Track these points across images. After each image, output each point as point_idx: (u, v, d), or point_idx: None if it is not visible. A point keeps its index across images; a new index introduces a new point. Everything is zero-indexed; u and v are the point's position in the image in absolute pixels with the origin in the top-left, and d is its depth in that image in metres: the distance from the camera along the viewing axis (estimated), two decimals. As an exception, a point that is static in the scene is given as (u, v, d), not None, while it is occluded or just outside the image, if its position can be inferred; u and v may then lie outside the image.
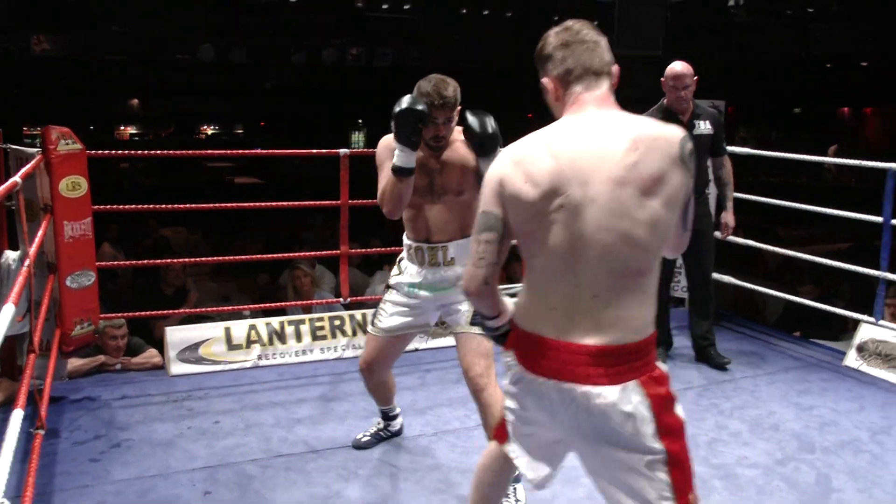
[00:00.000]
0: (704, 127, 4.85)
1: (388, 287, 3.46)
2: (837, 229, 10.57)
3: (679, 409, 2.02)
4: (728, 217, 5.04)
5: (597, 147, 1.91)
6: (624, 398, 1.92)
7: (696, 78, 4.76)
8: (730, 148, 6.00)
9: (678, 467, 1.96)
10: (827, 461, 3.72)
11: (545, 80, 2.07)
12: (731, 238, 5.40)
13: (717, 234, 5.18)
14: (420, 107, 3.02)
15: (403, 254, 3.42)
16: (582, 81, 2.01)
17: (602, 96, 2.01)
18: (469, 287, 2.08)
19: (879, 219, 4.88)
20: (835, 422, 4.19)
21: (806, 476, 3.57)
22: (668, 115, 4.77)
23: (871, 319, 5.00)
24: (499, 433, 2.27)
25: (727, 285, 6.08)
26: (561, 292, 1.96)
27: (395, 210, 3.18)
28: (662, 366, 2.03)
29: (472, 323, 2.73)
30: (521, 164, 1.95)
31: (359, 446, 3.81)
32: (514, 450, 2.20)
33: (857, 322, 5.17)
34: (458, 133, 3.21)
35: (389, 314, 3.40)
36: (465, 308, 3.22)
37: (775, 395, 4.58)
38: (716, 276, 5.86)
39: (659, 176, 1.88)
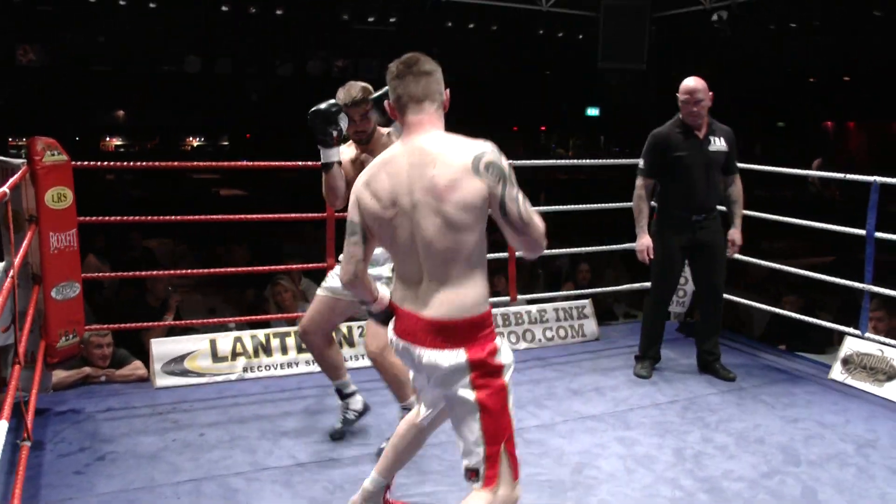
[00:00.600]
0: (719, 144, 4.87)
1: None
2: (820, 242, 10.63)
3: (507, 376, 2.51)
4: (735, 234, 5.04)
5: (412, 165, 2.44)
6: (451, 359, 2.44)
7: (710, 94, 4.80)
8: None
9: (489, 418, 2.46)
10: (813, 474, 3.73)
11: (385, 103, 2.59)
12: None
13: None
14: (323, 106, 3.47)
15: None
16: (408, 108, 2.51)
17: (423, 120, 2.50)
18: (343, 280, 2.64)
19: (863, 232, 4.92)
20: (820, 435, 4.21)
21: (791, 489, 3.58)
22: (685, 130, 4.85)
23: (857, 332, 5.03)
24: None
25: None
26: (409, 276, 2.53)
27: (331, 200, 3.67)
28: (499, 340, 2.50)
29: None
30: (369, 184, 2.52)
31: (335, 436, 4.06)
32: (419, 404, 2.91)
33: (842, 335, 5.20)
34: (384, 134, 3.71)
35: (332, 276, 3.83)
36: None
37: (761, 408, 4.59)
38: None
39: (451, 185, 2.37)
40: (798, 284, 6.94)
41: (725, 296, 6.04)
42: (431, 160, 2.40)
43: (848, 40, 13.34)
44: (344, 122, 3.53)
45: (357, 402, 4.08)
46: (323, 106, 3.48)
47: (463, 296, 2.44)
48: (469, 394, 2.46)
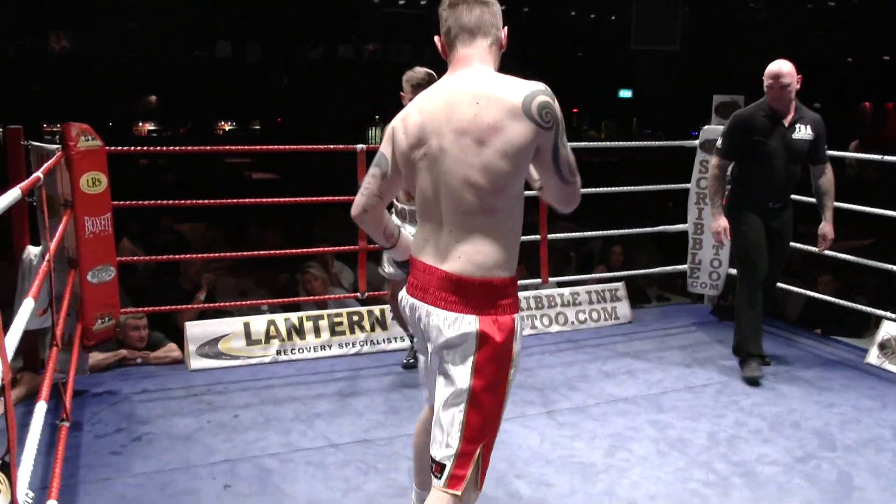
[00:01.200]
0: (805, 132, 4.60)
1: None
2: (860, 225, 10.48)
3: (513, 371, 2.24)
4: (826, 228, 4.77)
5: (450, 103, 2.20)
6: (460, 326, 2.19)
7: (799, 77, 4.56)
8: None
9: (478, 413, 2.19)
10: (849, 459, 3.69)
11: (436, 38, 2.33)
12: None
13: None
14: None
15: (394, 214, 4.25)
16: (458, 40, 2.26)
17: (472, 55, 2.26)
18: (352, 212, 2.47)
19: (901, 214, 4.85)
20: (856, 419, 4.16)
21: (827, 474, 3.54)
22: (770, 114, 4.60)
23: (893, 316, 4.96)
24: None
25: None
26: (429, 226, 2.29)
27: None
28: (518, 319, 2.24)
29: None
30: (405, 118, 2.31)
31: (407, 366, 4.77)
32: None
33: (878, 319, 5.13)
34: None
35: (388, 261, 4.33)
36: None
37: (796, 392, 4.55)
38: (734, 271, 5.84)
39: (494, 126, 2.12)
40: (836, 268, 6.85)
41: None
42: (474, 98, 2.15)
43: (886, 20, 13.09)
44: None
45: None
46: None
47: (485, 253, 2.19)
48: (465, 377, 2.19)
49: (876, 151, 5.56)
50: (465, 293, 2.19)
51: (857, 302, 5.75)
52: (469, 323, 2.18)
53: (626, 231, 6.53)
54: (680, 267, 6.16)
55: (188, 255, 6.04)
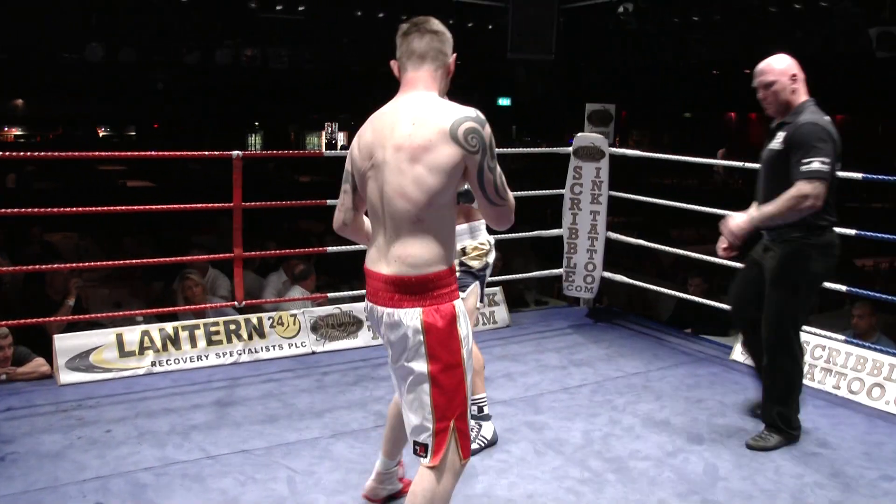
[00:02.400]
0: (777, 142, 3.78)
1: None
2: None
3: (464, 351, 2.49)
4: (731, 222, 3.81)
5: (393, 121, 2.45)
6: (407, 320, 2.45)
7: (793, 75, 3.76)
8: (623, 150, 6.18)
9: (440, 393, 2.46)
10: (714, 451, 3.86)
11: (392, 63, 2.58)
12: (622, 237, 5.52)
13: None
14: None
15: None
16: (409, 63, 2.53)
17: (418, 78, 2.51)
18: (334, 227, 2.77)
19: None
20: (722, 413, 4.36)
21: (695, 466, 3.70)
22: (771, 120, 3.92)
23: (755, 315, 5.20)
24: None
25: (620, 284, 6.25)
26: (378, 235, 2.54)
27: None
28: (458, 304, 2.50)
29: None
30: (360, 136, 2.56)
31: None
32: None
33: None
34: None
35: None
36: None
37: (666, 389, 4.73)
38: (608, 275, 6.04)
39: (425, 146, 2.37)
40: (704, 270, 7.16)
41: (633, 282, 6.20)
42: (411, 118, 2.41)
43: (746, 34, 13.80)
44: None
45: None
46: None
47: (416, 255, 2.43)
48: (422, 364, 2.45)
49: (741, 159, 5.83)
50: (405, 291, 2.45)
51: (723, 302, 6.01)
52: (414, 316, 2.44)
53: (503, 236, 6.62)
54: (556, 271, 6.31)
55: (57, 266, 5.80)
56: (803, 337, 4.86)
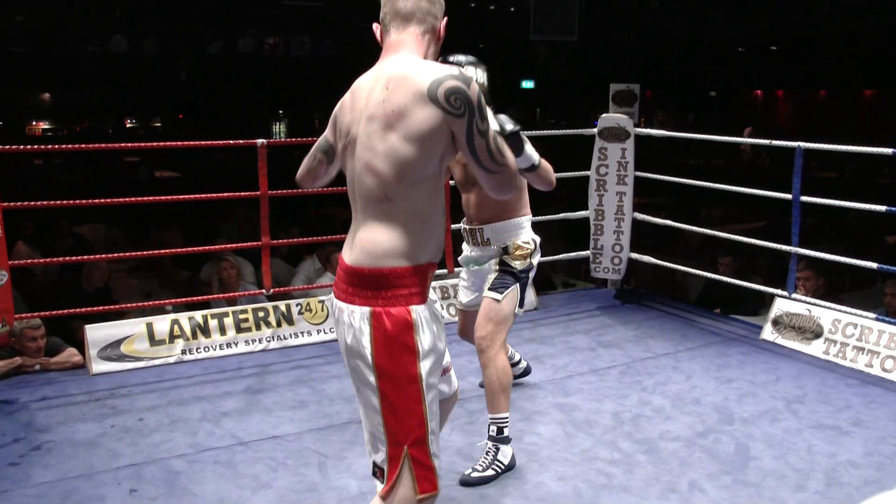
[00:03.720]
0: None
1: (458, 265, 3.94)
2: (754, 208, 10.88)
3: (422, 366, 2.11)
4: None
5: (369, 89, 2.16)
6: (356, 320, 2.13)
7: None
8: (649, 131, 6.13)
9: (391, 413, 2.11)
10: (745, 431, 3.84)
11: (374, 25, 2.29)
12: (648, 218, 5.47)
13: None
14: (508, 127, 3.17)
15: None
16: (392, 26, 2.24)
17: (402, 42, 2.22)
18: (297, 176, 2.56)
19: (789, 196, 5.04)
20: (752, 393, 4.33)
21: (726, 446, 3.68)
22: None
23: (785, 293, 5.17)
24: None
25: (648, 265, 6.21)
26: (353, 219, 2.25)
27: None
28: (418, 311, 2.12)
29: None
30: (339, 107, 2.29)
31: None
32: None
33: (772, 297, 5.33)
34: None
35: (461, 289, 3.90)
36: (491, 277, 3.60)
37: (696, 369, 4.70)
38: (635, 256, 6.01)
39: (400, 111, 2.06)
40: (733, 250, 7.10)
41: (661, 262, 6.16)
42: (386, 82, 2.11)
43: (772, 10, 13.62)
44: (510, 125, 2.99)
45: (517, 369, 4.37)
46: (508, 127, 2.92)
47: (376, 242, 2.12)
48: (371, 375, 2.12)
49: (767, 137, 5.77)
50: (358, 283, 2.14)
51: (753, 281, 5.98)
52: (360, 315, 2.12)
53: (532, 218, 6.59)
54: (583, 253, 6.28)
55: (85, 257, 5.85)
56: (834, 315, 4.84)
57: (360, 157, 2.15)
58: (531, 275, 3.65)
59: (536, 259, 3.64)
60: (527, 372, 4.47)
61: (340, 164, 2.34)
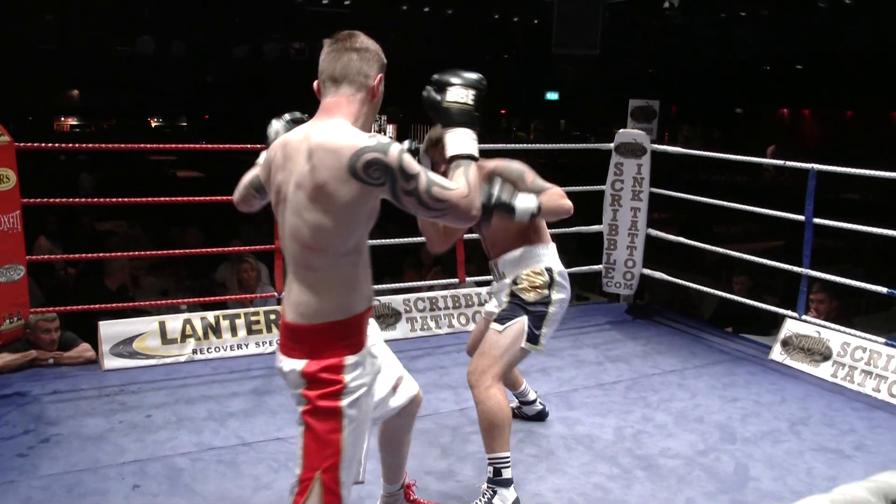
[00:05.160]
0: None
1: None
2: (773, 227, 10.84)
3: (345, 401, 2.21)
4: None
5: (297, 152, 2.18)
6: (290, 368, 2.23)
7: None
8: (671, 148, 6.14)
9: (310, 439, 2.21)
10: (746, 451, 3.84)
11: (314, 84, 2.31)
12: (662, 234, 5.47)
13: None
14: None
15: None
16: (325, 87, 2.26)
17: (333, 103, 2.24)
18: (234, 200, 2.71)
19: (802, 217, 5.03)
20: (756, 413, 4.33)
21: (725, 466, 3.68)
22: None
23: (795, 314, 5.16)
24: None
25: (662, 282, 6.21)
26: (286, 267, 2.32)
27: (430, 245, 3.50)
28: (349, 359, 2.21)
29: None
30: (272, 158, 2.30)
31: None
32: None
33: (784, 317, 5.32)
34: (481, 168, 3.29)
35: (493, 301, 3.67)
36: (499, 308, 3.44)
37: (702, 387, 4.71)
38: (647, 272, 6.02)
39: (323, 187, 2.11)
40: (749, 268, 7.09)
41: (672, 279, 6.15)
42: (311, 152, 2.13)
43: (797, 30, 13.60)
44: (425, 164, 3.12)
45: (532, 409, 4.11)
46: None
47: (307, 304, 2.21)
48: (300, 405, 2.24)
49: (792, 156, 5.76)
50: (298, 339, 2.23)
51: (767, 302, 5.96)
52: (298, 365, 2.21)
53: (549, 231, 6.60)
54: (595, 267, 6.30)
55: (103, 254, 5.93)
56: (843, 338, 4.83)
57: (289, 221, 2.20)
58: (552, 309, 3.35)
59: (557, 292, 3.37)
60: (542, 415, 4.13)
61: (273, 208, 2.37)
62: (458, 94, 2.33)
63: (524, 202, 3.09)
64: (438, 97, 2.35)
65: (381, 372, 2.57)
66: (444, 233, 3.41)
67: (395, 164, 2.09)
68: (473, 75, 2.39)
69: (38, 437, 3.84)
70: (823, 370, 4.89)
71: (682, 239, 6.08)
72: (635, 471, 3.61)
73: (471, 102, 2.33)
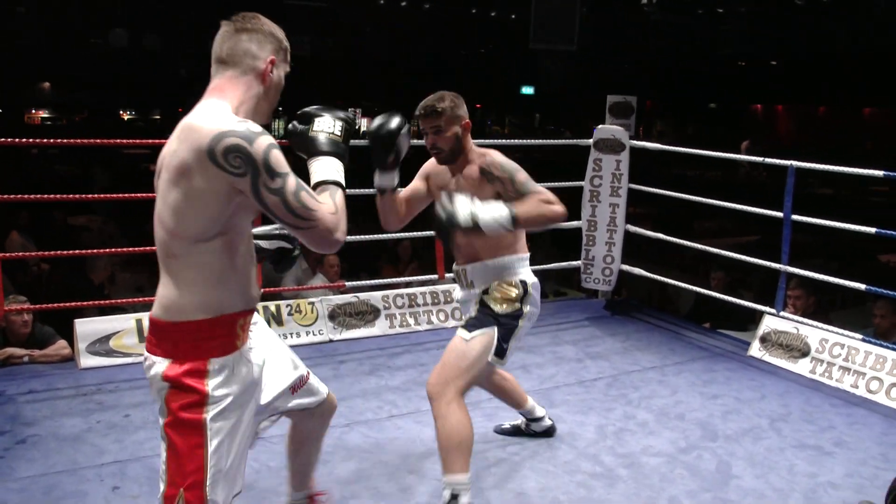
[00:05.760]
0: None
1: (449, 271, 3.71)
2: (748, 222, 10.93)
3: (208, 413, 2.07)
4: None
5: (171, 138, 2.05)
6: (153, 369, 2.09)
7: None
8: (644, 143, 6.16)
9: (172, 454, 2.09)
10: (728, 448, 3.86)
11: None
12: (641, 230, 5.48)
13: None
14: (392, 125, 2.87)
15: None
16: (213, 70, 2.14)
17: (215, 86, 2.12)
18: None
19: (780, 214, 5.06)
20: (737, 410, 4.35)
21: (707, 463, 3.70)
22: None
23: (773, 311, 5.19)
24: None
25: (640, 277, 6.23)
26: None
27: (383, 223, 3.28)
28: (213, 363, 2.07)
29: None
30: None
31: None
32: None
33: (761, 313, 5.36)
34: (479, 157, 3.21)
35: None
36: (468, 316, 3.26)
37: (682, 384, 4.72)
38: (626, 268, 6.03)
39: (183, 168, 1.97)
40: (726, 264, 7.13)
41: (652, 276, 6.18)
42: (179, 133, 2.01)
43: (773, 27, 13.71)
44: (405, 143, 2.93)
45: (540, 426, 3.89)
46: (392, 124, 2.88)
47: (170, 298, 2.07)
48: (162, 416, 2.10)
49: (765, 152, 5.78)
50: (158, 336, 2.10)
51: (744, 297, 6.00)
52: (157, 365, 2.08)
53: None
54: (574, 263, 6.30)
55: (78, 251, 5.86)
56: (821, 334, 4.87)
57: (157, 205, 2.07)
58: (522, 323, 3.19)
59: (530, 306, 3.22)
60: (551, 431, 3.92)
61: None
62: (326, 123, 2.22)
63: (492, 213, 2.88)
64: (305, 127, 2.23)
65: (272, 374, 2.49)
66: (406, 211, 3.31)
67: (260, 156, 1.94)
68: (342, 111, 2.28)
69: (14, 438, 3.78)
70: (802, 366, 4.92)
71: (661, 235, 6.10)
72: (618, 469, 3.61)
73: (338, 133, 2.22)
